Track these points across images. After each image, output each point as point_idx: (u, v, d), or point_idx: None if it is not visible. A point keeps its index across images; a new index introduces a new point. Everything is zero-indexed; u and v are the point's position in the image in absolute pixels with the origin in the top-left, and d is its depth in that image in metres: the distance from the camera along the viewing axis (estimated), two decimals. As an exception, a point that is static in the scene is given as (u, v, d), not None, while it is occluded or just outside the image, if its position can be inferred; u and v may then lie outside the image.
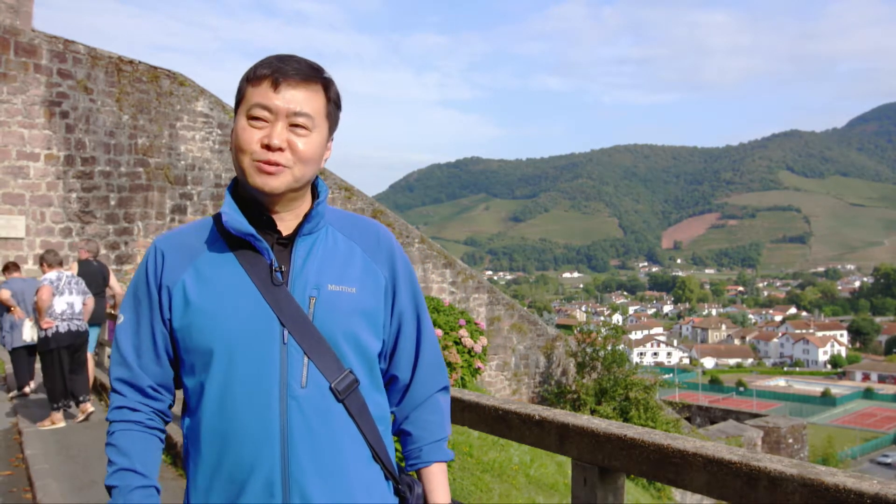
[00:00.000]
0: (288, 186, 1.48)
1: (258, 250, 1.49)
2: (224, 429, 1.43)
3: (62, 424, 7.38)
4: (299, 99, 1.46)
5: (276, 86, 1.45)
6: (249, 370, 1.42)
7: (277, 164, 1.45)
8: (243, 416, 1.41)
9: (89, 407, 7.55)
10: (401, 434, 1.63)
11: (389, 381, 1.61)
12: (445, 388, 1.65)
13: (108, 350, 11.08)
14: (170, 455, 6.29)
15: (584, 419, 2.52)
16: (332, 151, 1.57)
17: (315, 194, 1.59)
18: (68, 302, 7.35)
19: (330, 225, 1.57)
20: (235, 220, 1.48)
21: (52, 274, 7.43)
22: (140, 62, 16.74)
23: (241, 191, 1.54)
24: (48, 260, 7.65)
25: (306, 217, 1.52)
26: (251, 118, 1.46)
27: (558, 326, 44.35)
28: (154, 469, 1.51)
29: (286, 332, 1.42)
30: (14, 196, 14.91)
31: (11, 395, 9.17)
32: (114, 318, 10.33)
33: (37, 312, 7.39)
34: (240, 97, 1.51)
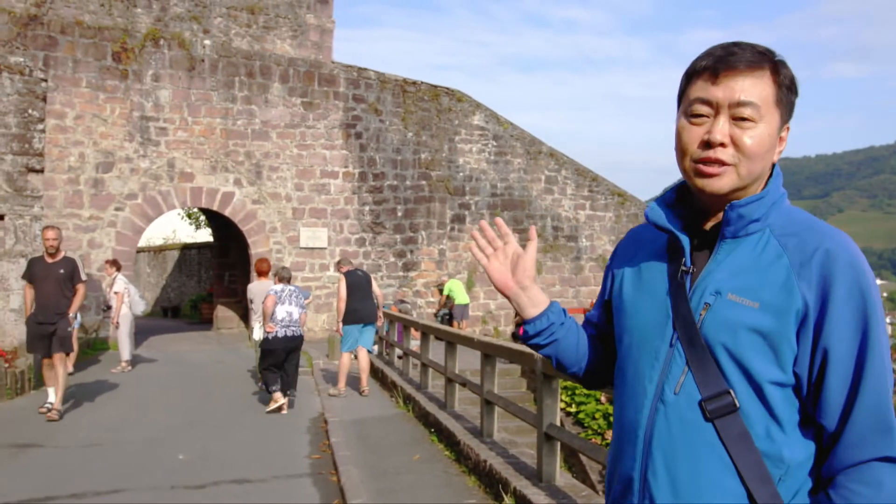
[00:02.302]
0: (732, 186, 1.37)
1: (680, 247, 1.45)
2: (617, 416, 1.49)
3: (283, 401, 8.52)
4: (742, 87, 1.34)
5: (715, 77, 1.35)
6: (638, 365, 1.44)
7: (719, 162, 1.35)
8: (626, 410, 1.45)
9: (281, 398, 8.57)
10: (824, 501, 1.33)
11: (820, 428, 1.34)
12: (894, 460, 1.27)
13: (397, 351, 11.97)
14: (453, 451, 6.62)
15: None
16: (787, 143, 1.41)
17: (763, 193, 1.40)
18: (287, 311, 8.58)
19: (770, 229, 1.38)
20: (657, 213, 1.47)
21: (277, 286, 8.72)
22: (422, 82, 17.99)
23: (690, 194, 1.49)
24: (280, 275, 8.92)
25: (726, 220, 1.38)
26: (692, 116, 1.38)
27: (857, 339, 39.76)
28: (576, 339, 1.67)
29: (675, 336, 1.38)
30: (318, 210, 16.82)
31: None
32: (402, 322, 11.15)
33: (262, 317, 8.68)
34: (680, 95, 1.44)
